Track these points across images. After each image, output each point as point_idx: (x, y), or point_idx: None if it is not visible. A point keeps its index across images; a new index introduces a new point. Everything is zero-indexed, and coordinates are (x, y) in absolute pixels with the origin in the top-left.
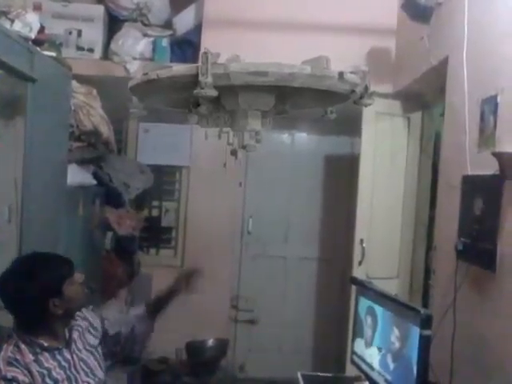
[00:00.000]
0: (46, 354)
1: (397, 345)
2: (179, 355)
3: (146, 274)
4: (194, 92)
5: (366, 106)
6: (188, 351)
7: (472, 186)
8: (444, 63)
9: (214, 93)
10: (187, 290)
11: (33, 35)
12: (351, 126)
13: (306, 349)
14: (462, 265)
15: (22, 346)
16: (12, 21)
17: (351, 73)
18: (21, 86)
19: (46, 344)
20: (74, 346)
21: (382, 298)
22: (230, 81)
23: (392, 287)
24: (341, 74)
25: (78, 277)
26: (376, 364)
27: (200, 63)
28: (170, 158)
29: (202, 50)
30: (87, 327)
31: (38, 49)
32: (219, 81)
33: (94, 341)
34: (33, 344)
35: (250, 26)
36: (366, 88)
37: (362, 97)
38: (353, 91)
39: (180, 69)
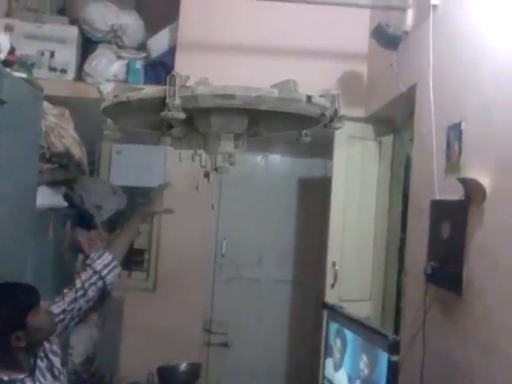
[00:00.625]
0: None
1: (366, 370)
2: (151, 380)
3: (118, 297)
4: (162, 114)
5: (335, 129)
6: (160, 376)
7: (440, 210)
8: (412, 90)
9: (181, 115)
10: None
11: (2, 56)
12: (325, 148)
13: (279, 373)
14: (431, 288)
15: None
16: None
17: (321, 96)
18: None
19: (5, 378)
20: (37, 374)
21: (352, 322)
22: (198, 103)
23: (364, 310)
24: (309, 98)
25: (44, 305)
26: None
27: (167, 86)
28: (143, 180)
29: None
30: (49, 348)
31: (8, 70)
32: (188, 103)
33: (57, 361)
34: None
35: (224, 49)
36: (336, 111)
37: (331, 120)
38: (323, 114)
39: (149, 91)
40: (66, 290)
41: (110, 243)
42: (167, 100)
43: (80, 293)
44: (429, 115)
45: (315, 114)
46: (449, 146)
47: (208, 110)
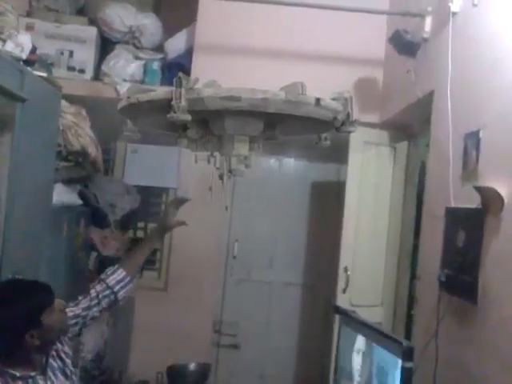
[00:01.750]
0: (19, 382)
1: (378, 376)
2: (160, 379)
3: (129, 296)
4: (168, 116)
5: (348, 133)
6: (169, 375)
7: (455, 218)
8: (429, 96)
9: (187, 117)
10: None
11: (24, 56)
12: (339, 153)
13: (288, 375)
14: (445, 296)
15: None
16: (4, 41)
17: (333, 99)
18: (9, 105)
19: (18, 374)
20: (49, 373)
21: (365, 327)
22: (204, 105)
23: (376, 315)
24: (318, 100)
25: (58, 304)
26: None
27: (174, 88)
28: (156, 180)
29: (193, 74)
30: (62, 349)
31: (29, 69)
32: (195, 105)
33: (69, 362)
34: (4, 374)
35: (241, 52)
36: (348, 115)
37: (344, 124)
38: (335, 118)
39: (158, 93)
40: (80, 298)
41: (125, 259)
42: (173, 102)
43: (94, 301)
44: (446, 122)
45: (327, 117)
46: (466, 153)
47: (222, 113)
